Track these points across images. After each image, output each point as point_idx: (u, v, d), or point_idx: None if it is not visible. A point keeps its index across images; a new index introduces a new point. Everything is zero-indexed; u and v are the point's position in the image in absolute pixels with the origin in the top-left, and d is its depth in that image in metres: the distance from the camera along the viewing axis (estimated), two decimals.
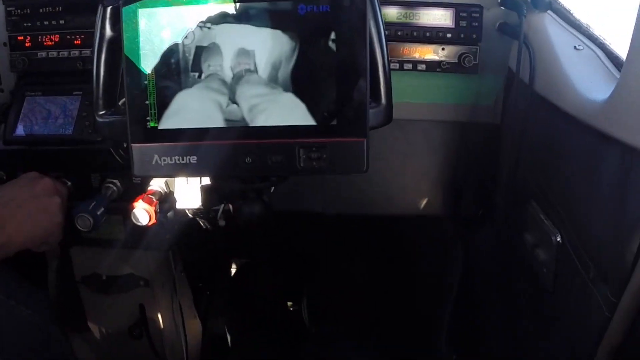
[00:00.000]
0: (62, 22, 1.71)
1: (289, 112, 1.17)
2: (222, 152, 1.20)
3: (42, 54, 1.73)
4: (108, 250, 1.78)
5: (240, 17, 1.16)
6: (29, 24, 1.73)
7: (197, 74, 1.18)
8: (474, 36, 1.63)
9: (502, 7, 1.63)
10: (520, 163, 1.55)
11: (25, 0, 1.72)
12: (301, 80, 1.17)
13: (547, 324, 1.42)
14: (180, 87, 1.18)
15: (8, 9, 1.73)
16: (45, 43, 1.73)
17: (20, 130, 1.66)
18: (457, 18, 1.62)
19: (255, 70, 1.17)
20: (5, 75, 1.78)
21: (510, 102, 1.61)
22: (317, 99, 1.17)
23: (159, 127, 1.19)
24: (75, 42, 1.71)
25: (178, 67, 1.17)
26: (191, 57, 1.17)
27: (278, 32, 1.15)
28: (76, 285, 1.93)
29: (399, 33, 1.61)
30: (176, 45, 1.17)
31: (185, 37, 1.16)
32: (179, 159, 1.20)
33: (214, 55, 1.18)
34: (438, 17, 1.62)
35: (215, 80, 1.18)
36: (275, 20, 1.15)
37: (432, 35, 1.62)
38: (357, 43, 1.14)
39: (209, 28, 1.16)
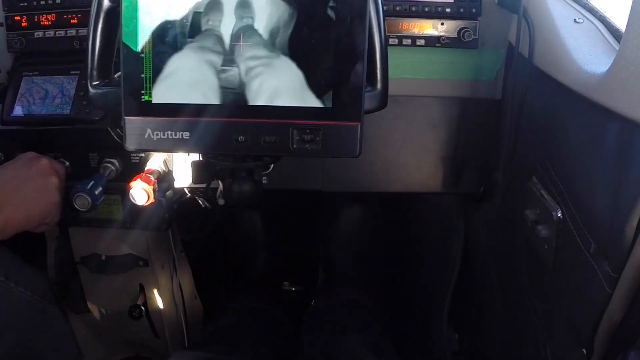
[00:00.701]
0: (58, 1, 1.69)
1: (285, 77, 1.17)
2: (215, 130, 1.20)
3: (39, 33, 1.71)
4: (107, 231, 1.78)
5: None
6: (25, 4, 1.71)
7: (193, 40, 1.17)
8: (474, 10, 1.60)
9: None
10: (521, 139, 1.54)
11: None
12: (299, 48, 1.16)
13: (547, 300, 1.41)
14: (176, 58, 1.17)
15: None
16: (42, 23, 1.71)
17: (17, 110, 1.65)
18: None
19: (253, 33, 1.17)
20: (2, 55, 1.76)
21: (510, 77, 1.60)
22: (313, 67, 1.16)
23: (153, 101, 1.18)
24: (72, 21, 1.69)
25: (175, 38, 1.17)
26: (188, 24, 1.17)
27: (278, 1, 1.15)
28: (75, 266, 1.93)
29: (397, 8, 1.58)
30: (175, 16, 1.16)
31: (184, 7, 1.16)
32: (171, 134, 1.19)
33: (213, 17, 1.17)
34: None
35: (211, 40, 1.17)
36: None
37: (431, 10, 1.59)
38: (357, 26, 1.14)
39: None
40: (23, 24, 1.72)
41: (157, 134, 1.19)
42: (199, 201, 1.75)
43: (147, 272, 1.92)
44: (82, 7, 1.68)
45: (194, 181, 1.46)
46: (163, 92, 1.18)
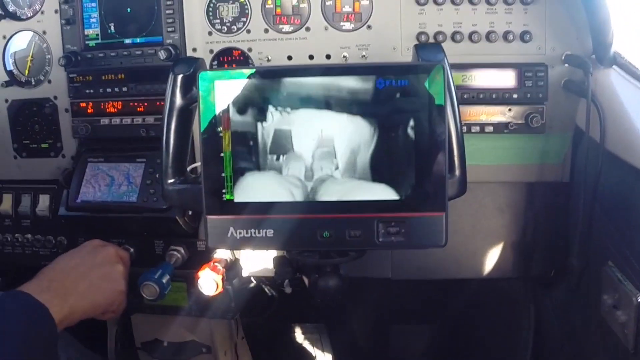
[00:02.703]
0: (124, 89, 1.72)
1: (369, 173, 1.17)
2: (300, 226, 1.19)
3: (105, 120, 1.74)
4: (171, 317, 1.76)
5: (320, 101, 1.15)
6: (92, 91, 1.75)
7: (275, 157, 1.17)
8: (540, 95, 1.60)
9: (567, 65, 1.60)
10: (594, 222, 1.51)
11: (88, 67, 1.74)
12: (380, 163, 1.16)
13: None
14: (257, 165, 1.17)
15: (70, 75, 1.76)
16: (107, 110, 1.74)
17: (82, 196, 1.67)
18: (523, 78, 1.60)
19: (334, 156, 1.16)
20: (67, 141, 1.80)
21: (580, 161, 1.57)
22: (396, 178, 1.16)
23: (235, 200, 1.18)
24: (138, 109, 1.72)
25: (255, 144, 1.17)
26: (269, 139, 1.17)
27: (358, 118, 1.15)
28: (136, 352, 1.91)
29: (465, 96, 1.59)
30: (255, 114, 1.16)
31: (264, 116, 1.16)
32: (255, 232, 1.18)
33: (292, 139, 1.17)
34: (503, 78, 1.60)
35: (293, 165, 1.17)
36: (355, 100, 1.15)
37: (498, 97, 1.60)
38: (436, 117, 1.13)
39: (288, 113, 1.16)
40: (89, 111, 1.76)
41: (240, 233, 1.19)
42: (266, 289, 1.73)
43: (209, 359, 1.89)
44: (149, 95, 1.71)
45: (277, 277, 1.44)
46: (245, 191, 1.18)
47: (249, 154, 1.17)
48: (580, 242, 1.54)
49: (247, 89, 1.15)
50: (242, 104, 1.16)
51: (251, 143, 1.17)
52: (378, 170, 1.16)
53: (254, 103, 1.16)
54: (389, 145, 1.16)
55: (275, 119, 1.16)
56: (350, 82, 1.14)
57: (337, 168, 1.16)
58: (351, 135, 1.16)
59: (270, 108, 1.16)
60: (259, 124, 1.16)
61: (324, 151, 1.16)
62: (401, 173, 1.16)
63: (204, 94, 1.16)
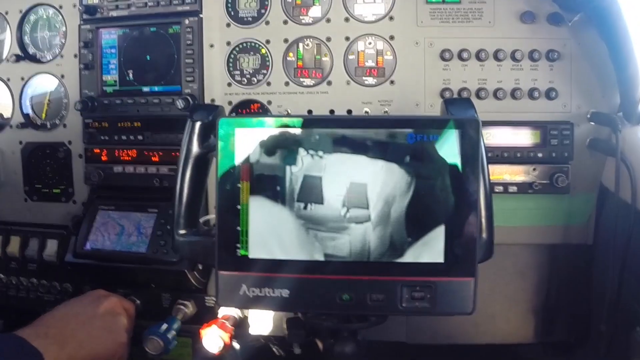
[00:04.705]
0: (140, 137, 1.70)
1: (395, 234, 1.09)
2: (318, 288, 1.11)
3: (118, 168, 1.72)
4: None
5: (353, 148, 1.09)
6: (106, 138, 1.73)
7: (302, 205, 1.10)
8: (566, 154, 1.56)
9: (592, 123, 1.56)
10: (622, 286, 1.45)
11: (104, 114, 1.72)
12: (413, 217, 1.09)
13: None
14: (279, 216, 1.10)
15: (86, 120, 1.74)
16: (122, 158, 1.72)
17: (91, 244, 1.63)
18: (548, 136, 1.56)
19: (366, 205, 1.09)
20: (79, 187, 1.78)
21: (605, 222, 1.53)
22: (425, 223, 1.09)
23: (250, 256, 1.11)
24: (152, 158, 1.69)
25: (279, 194, 1.10)
26: (297, 187, 1.10)
27: (393, 166, 1.08)
28: None
29: (489, 154, 1.54)
30: (278, 170, 1.10)
31: (290, 163, 1.10)
32: (269, 292, 1.11)
33: (322, 186, 1.10)
34: (528, 136, 1.57)
35: (316, 194, 1.10)
36: (389, 152, 1.08)
37: (522, 156, 1.56)
38: (469, 175, 1.07)
39: (320, 157, 1.09)
40: (103, 158, 1.74)
41: (253, 291, 1.11)
42: (274, 349, 1.66)
43: None
44: (164, 144, 1.69)
45: (289, 339, 1.37)
46: (261, 247, 1.11)
47: (272, 205, 1.10)
48: (610, 307, 1.48)
49: (269, 140, 1.10)
50: (263, 155, 1.10)
51: (274, 194, 1.10)
52: (410, 226, 1.09)
53: (276, 156, 1.10)
54: (416, 205, 1.09)
55: (304, 166, 1.10)
56: (376, 140, 1.09)
57: (367, 206, 1.10)
58: (385, 185, 1.09)
59: (297, 155, 1.10)
60: (286, 173, 1.10)
61: (354, 196, 1.10)
62: (428, 234, 1.09)
63: (223, 141, 1.10)
